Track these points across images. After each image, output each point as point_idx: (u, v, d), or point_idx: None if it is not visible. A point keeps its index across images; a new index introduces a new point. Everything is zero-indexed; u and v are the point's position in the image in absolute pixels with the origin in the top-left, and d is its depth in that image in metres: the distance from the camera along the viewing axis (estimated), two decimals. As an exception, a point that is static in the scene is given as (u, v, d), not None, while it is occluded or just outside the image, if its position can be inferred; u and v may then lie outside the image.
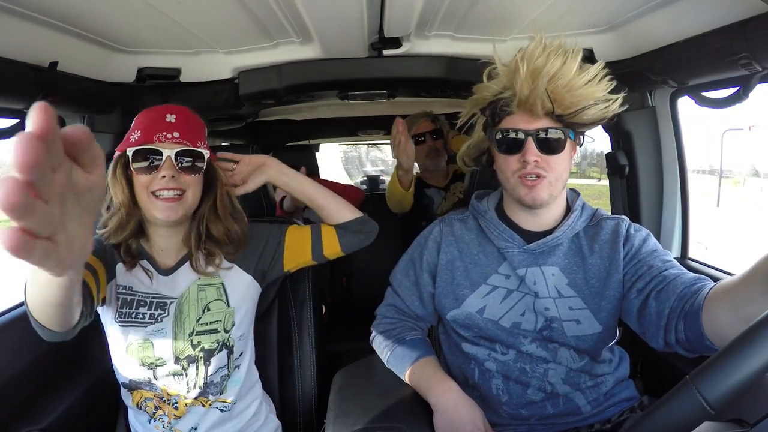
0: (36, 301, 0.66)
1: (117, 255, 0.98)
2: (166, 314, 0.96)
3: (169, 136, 0.91)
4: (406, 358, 1.01)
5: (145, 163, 0.90)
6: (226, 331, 0.99)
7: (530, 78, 0.89)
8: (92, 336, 1.38)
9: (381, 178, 5.22)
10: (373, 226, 1.13)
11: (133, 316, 0.95)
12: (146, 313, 0.96)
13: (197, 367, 0.96)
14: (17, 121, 1.01)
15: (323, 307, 2.04)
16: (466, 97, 1.06)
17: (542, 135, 0.92)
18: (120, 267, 0.98)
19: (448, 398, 0.93)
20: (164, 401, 0.97)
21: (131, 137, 0.92)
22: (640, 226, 1.01)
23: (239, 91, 1.38)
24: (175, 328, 0.96)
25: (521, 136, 0.93)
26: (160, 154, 0.90)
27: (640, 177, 1.38)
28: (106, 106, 1.28)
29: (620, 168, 1.40)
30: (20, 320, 1.13)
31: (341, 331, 2.03)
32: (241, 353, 1.04)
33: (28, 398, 1.06)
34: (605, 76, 0.91)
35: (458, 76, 1.33)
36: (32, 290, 0.64)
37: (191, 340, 0.96)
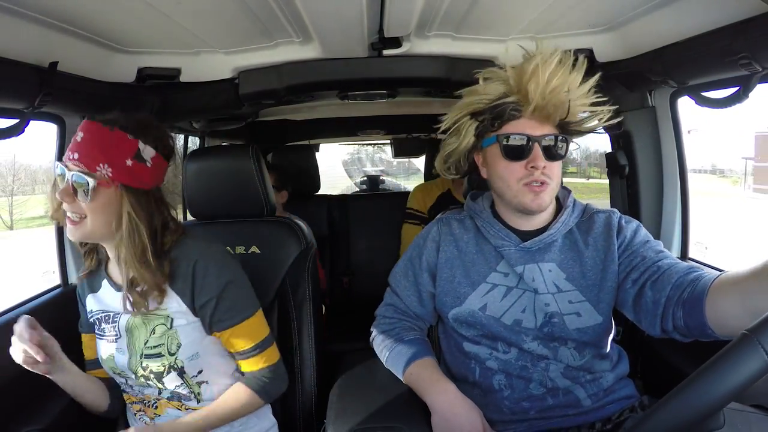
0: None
1: (85, 287, 1.03)
2: (119, 335, 0.96)
3: (72, 157, 0.86)
4: (404, 358, 1.01)
5: (58, 184, 0.87)
6: (171, 354, 0.93)
7: (549, 85, 0.89)
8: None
9: (381, 178, 5.24)
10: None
11: (103, 332, 0.99)
12: (106, 328, 0.98)
13: (155, 384, 0.95)
14: (17, 121, 1.01)
15: (323, 307, 2.05)
16: None
17: (548, 142, 0.93)
18: (89, 297, 1.02)
19: (444, 399, 0.93)
20: (145, 404, 1.00)
21: None
22: (630, 218, 1.02)
23: (239, 91, 1.38)
24: (130, 350, 0.95)
25: (528, 142, 0.92)
26: (63, 176, 0.86)
27: (640, 177, 1.38)
28: (106, 106, 1.27)
29: (620, 168, 1.40)
30: (20, 320, 1.13)
31: (341, 331, 2.03)
32: (200, 371, 0.98)
33: (28, 398, 1.06)
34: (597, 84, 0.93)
35: (458, 76, 1.33)
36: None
37: (141, 362, 0.94)
